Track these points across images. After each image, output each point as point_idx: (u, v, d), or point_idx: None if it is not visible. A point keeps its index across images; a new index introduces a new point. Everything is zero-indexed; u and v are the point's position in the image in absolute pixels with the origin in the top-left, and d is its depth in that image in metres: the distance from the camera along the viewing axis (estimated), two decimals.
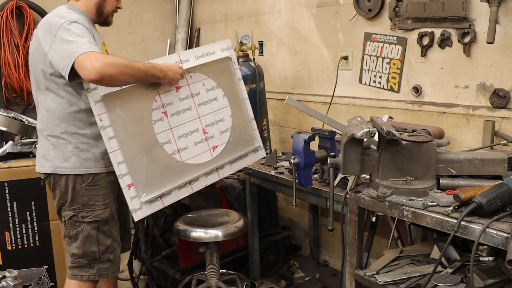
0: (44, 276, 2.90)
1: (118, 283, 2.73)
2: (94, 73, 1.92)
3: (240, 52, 3.48)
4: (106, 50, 2.41)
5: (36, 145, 2.91)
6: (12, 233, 2.81)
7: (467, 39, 2.57)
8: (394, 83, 2.99)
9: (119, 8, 2.40)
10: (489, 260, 1.97)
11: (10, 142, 2.97)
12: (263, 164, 3.12)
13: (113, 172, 2.21)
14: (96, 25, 2.36)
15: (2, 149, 2.88)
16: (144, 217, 3.14)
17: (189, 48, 4.73)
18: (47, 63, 2.09)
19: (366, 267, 2.07)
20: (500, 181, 1.69)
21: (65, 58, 1.97)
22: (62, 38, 2.00)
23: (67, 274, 2.33)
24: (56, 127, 2.18)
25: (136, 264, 3.27)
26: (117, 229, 2.36)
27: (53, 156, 2.20)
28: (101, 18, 2.32)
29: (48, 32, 2.05)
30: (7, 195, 2.77)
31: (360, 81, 3.20)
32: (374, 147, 2.01)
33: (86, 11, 2.24)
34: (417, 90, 2.86)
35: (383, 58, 3.02)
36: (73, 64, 1.94)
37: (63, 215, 2.27)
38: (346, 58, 3.25)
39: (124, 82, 2.11)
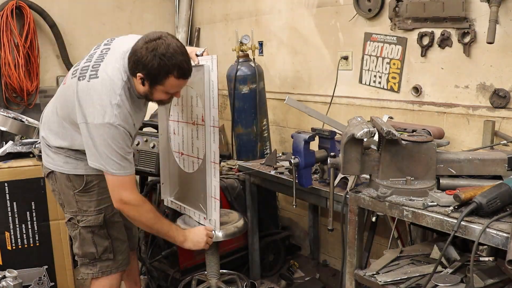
0: (44, 276, 2.90)
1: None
2: (119, 207, 2.12)
3: (240, 52, 3.48)
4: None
5: (37, 145, 2.91)
6: (12, 233, 2.81)
7: (467, 39, 2.57)
8: (394, 83, 2.99)
9: (176, 97, 2.25)
10: (489, 260, 1.97)
11: (10, 142, 2.97)
12: (263, 164, 3.11)
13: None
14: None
15: (2, 149, 2.88)
16: None
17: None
18: (71, 120, 2.12)
19: (366, 267, 2.07)
20: (500, 181, 1.69)
21: (102, 162, 2.04)
22: (104, 142, 2.01)
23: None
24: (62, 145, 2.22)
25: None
26: (120, 228, 2.37)
27: (55, 159, 2.25)
28: (148, 100, 2.23)
29: (89, 110, 2.02)
30: (7, 195, 2.77)
31: (360, 81, 3.20)
32: (374, 147, 2.01)
33: (136, 90, 2.13)
34: (417, 90, 2.86)
35: (383, 58, 3.02)
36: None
37: (65, 215, 2.33)
38: (346, 58, 3.25)
39: (140, 226, 2.33)
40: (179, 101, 2.57)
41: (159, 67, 1.98)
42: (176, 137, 2.66)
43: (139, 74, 2.02)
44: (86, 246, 2.27)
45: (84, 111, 2.03)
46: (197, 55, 2.35)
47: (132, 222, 2.25)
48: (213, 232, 2.38)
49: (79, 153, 2.20)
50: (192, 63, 2.18)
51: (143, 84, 2.06)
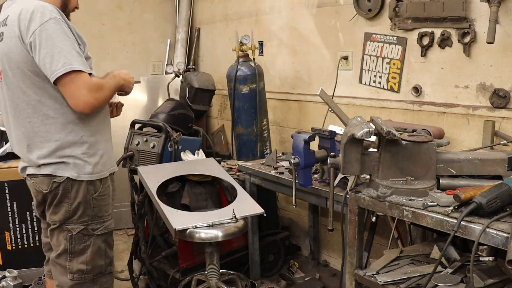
0: (44, 276, 2.90)
1: (118, 284, 2.73)
2: (84, 107, 1.94)
3: (240, 52, 3.48)
4: None
5: None
6: (12, 233, 2.81)
7: (467, 39, 2.57)
8: (394, 83, 2.99)
9: (77, 8, 2.22)
10: (489, 260, 1.97)
11: None
12: (263, 164, 3.12)
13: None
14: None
15: (2, 149, 2.89)
16: (144, 217, 3.16)
17: (189, 48, 4.74)
18: (32, 62, 1.93)
19: (366, 267, 2.07)
20: (500, 181, 1.69)
21: (57, 66, 1.87)
22: (52, 41, 1.87)
23: None
24: (60, 135, 2.01)
25: (136, 264, 3.27)
26: None
27: (65, 164, 2.03)
28: (65, 12, 2.08)
29: (30, 24, 1.88)
30: (7, 195, 2.77)
31: (360, 81, 3.20)
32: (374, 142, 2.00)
33: (53, 3, 2.02)
34: (417, 90, 2.86)
35: (383, 58, 3.02)
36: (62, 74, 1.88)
37: (68, 228, 2.08)
38: (346, 58, 3.25)
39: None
40: None
41: None
42: None
43: None
44: (97, 259, 2.12)
45: (23, 33, 1.89)
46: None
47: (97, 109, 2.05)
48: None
49: (89, 142, 2.06)
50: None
51: None
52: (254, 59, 3.50)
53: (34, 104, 1.99)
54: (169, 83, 4.15)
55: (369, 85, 3.14)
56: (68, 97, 1.93)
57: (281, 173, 2.89)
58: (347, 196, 2.01)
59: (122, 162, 3.17)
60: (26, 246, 2.83)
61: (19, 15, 1.91)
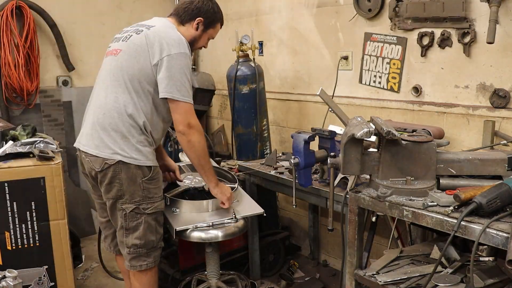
0: (44, 276, 2.90)
1: (118, 284, 2.73)
2: (185, 130, 2.28)
3: (240, 52, 3.48)
4: None
5: (37, 145, 2.91)
6: (12, 233, 2.81)
7: (467, 39, 2.57)
8: (394, 83, 2.99)
9: (204, 47, 2.66)
10: (489, 260, 1.97)
11: (10, 142, 2.97)
12: (263, 164, 3.11)
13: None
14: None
15: (2, 149, 2.88)
16: None
17: None
18: (147, 72, 2.27)
19: (366, 267, 2.07)
20: (500, 181, 1.69)
21: (175, 90, 2.26)
22: (174, 69, 2.25)
23: (127, 265, 2.43)
24: (129, 124, 2.28)
25: None
26: None
27: (120, 146, 2.27)
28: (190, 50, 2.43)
29: (169, 48, 2.26)
30: (7, 195, 2.77)
31: (360, 81, 3.20)
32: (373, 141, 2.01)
33: (187, 37, 2.41)
34: (417, 90, 2.86)
35: (383, 58, 3.02)
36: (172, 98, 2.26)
37: (122, 207, 2.34)
38: (346, 58, 3.25)
39: (191, 156, 2.40)
40: None
41: (215, 13, 2.53)
42: None
43: (198, 19, 2.46)
44: (149, 234, 2.37)
45: (162, 46, 2.26)
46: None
47: (188, 149, 2.34)
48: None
49: (155, 129, 2.36)
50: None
51: (197, 29, 2.48)
52: (254, 59, 3.50)
53: (137, 87, 2.30)
54: None
55: (369, 85, 3.14)
56: (174, 114, 2.31)
57: (281, 173, 2.89)
58: (347, 196, 2.02)
59: None
60: (26, 246, 2.83)
61: (166, 34, 2.32)
